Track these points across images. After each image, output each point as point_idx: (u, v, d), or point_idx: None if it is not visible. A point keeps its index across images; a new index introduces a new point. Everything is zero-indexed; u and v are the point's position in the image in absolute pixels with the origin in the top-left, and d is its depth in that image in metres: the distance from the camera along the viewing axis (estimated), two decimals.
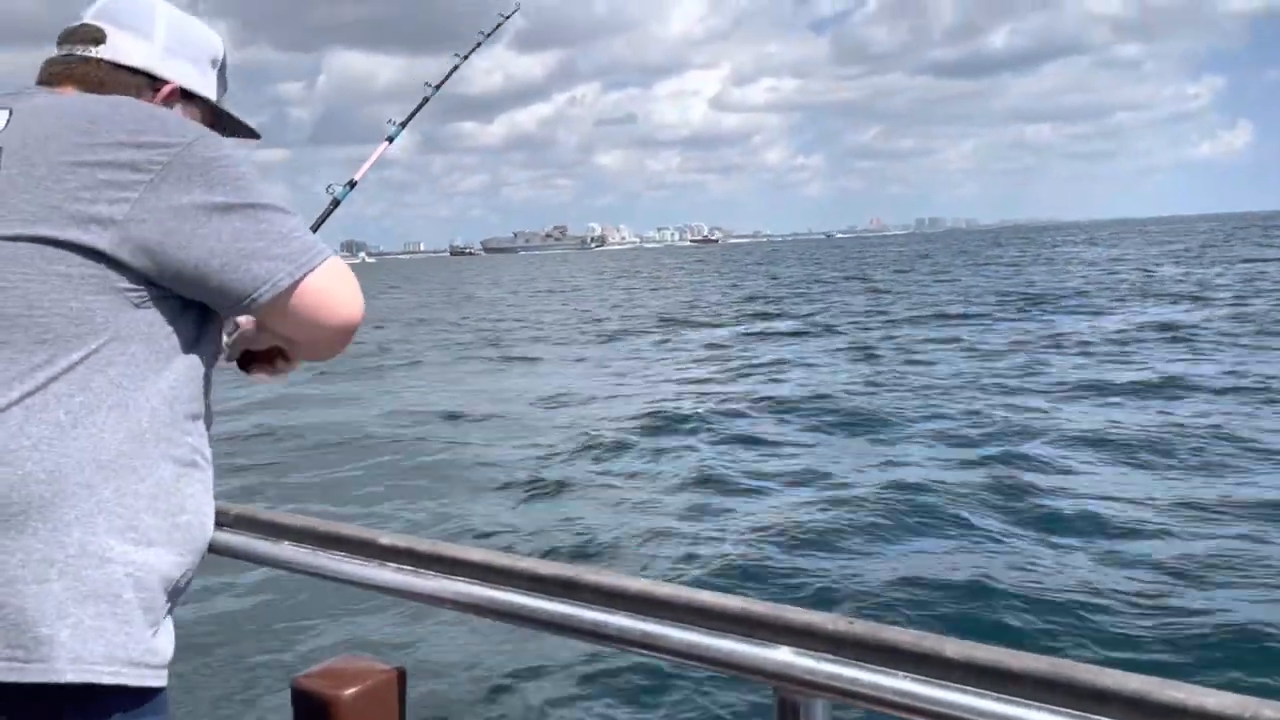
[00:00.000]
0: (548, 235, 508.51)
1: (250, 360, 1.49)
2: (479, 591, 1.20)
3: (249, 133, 1.60)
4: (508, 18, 2.68)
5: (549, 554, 6.31)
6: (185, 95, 1.45)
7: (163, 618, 1.20)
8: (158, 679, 1.16)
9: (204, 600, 5.54)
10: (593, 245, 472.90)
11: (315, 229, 1.97)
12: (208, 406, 1.33)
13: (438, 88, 2.35)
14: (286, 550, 1.41)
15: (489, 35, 2.58)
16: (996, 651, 0.85)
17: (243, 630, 5.34)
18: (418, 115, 2.29)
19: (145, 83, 1.40)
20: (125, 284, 1.18)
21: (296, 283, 1.23)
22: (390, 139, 2.23)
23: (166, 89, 1.42)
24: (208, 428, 1.32)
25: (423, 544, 1.26)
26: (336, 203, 2.04)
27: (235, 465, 9.55)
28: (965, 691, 0.85)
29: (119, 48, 1.38)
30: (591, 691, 4.56)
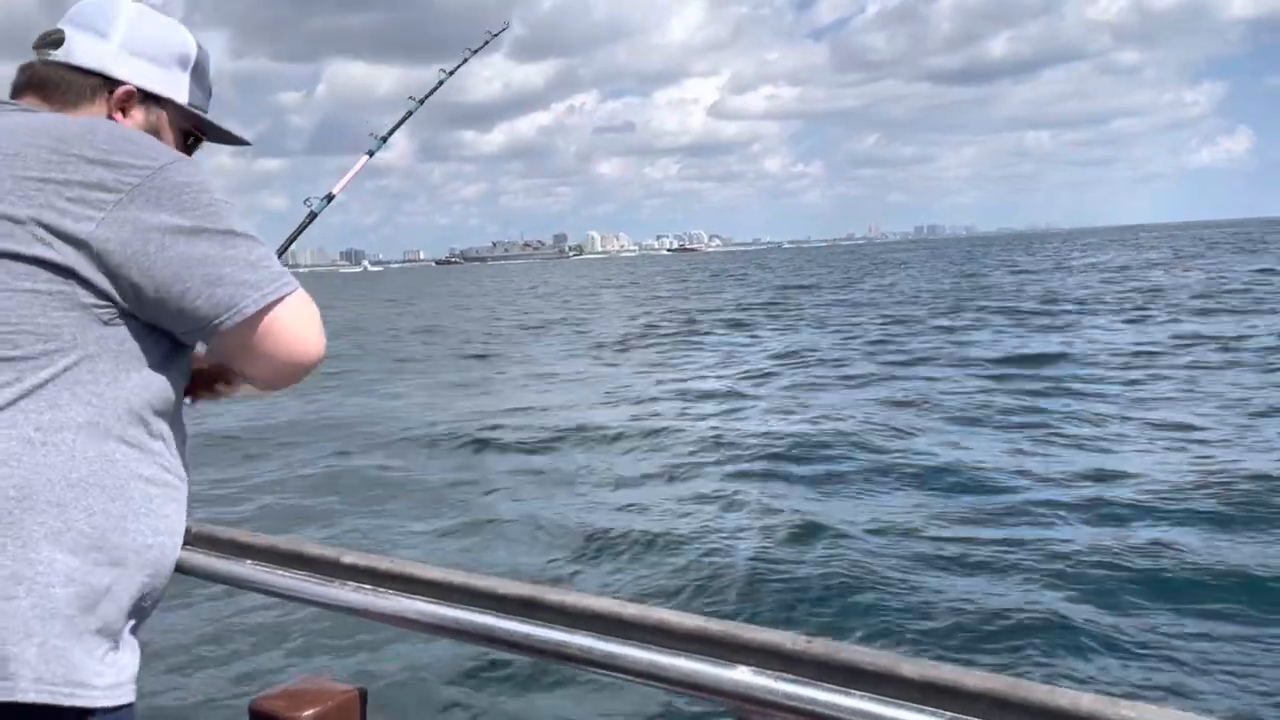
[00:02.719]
0: (526, 245, 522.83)
1: (189, 384, 1.43)
2: (440, 611, 1.19)
3: (237, 140, 1.55)
4: (496, 35, 2.65)
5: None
6: (149, 98, 1.39)
7: (129, 636, 1.19)
8: (123, 696, 1.14)
9: (162, 619, 5.46)
10: (571, 255, 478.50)
11: (292, 241, 1.95)
12: (182, 424, 1.31)
13: (422, 102, 2.31)
14: (248, 569, 1.40)
15: (476, 52, 2.55)
16: (953, 671, 0.85)
17: (201, 650, 5.27)
18: (412, 124, 2.25)
19: (100, 84, 1.35)
20: (93, 300, 1.16)
21: (261, 312, 1.21)
22: (370, 153, 2.18)
23: (121, 90, 1.36)
24: (183, 446, 1.30)
25: (383, 562, 1.25)
26: (313, 215, 1.99)
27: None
28: (922, 711, 0.85)
29: (74, 49, 1.35)
30: (554, 712, 4.54)
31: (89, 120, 1.28)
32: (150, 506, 1.20)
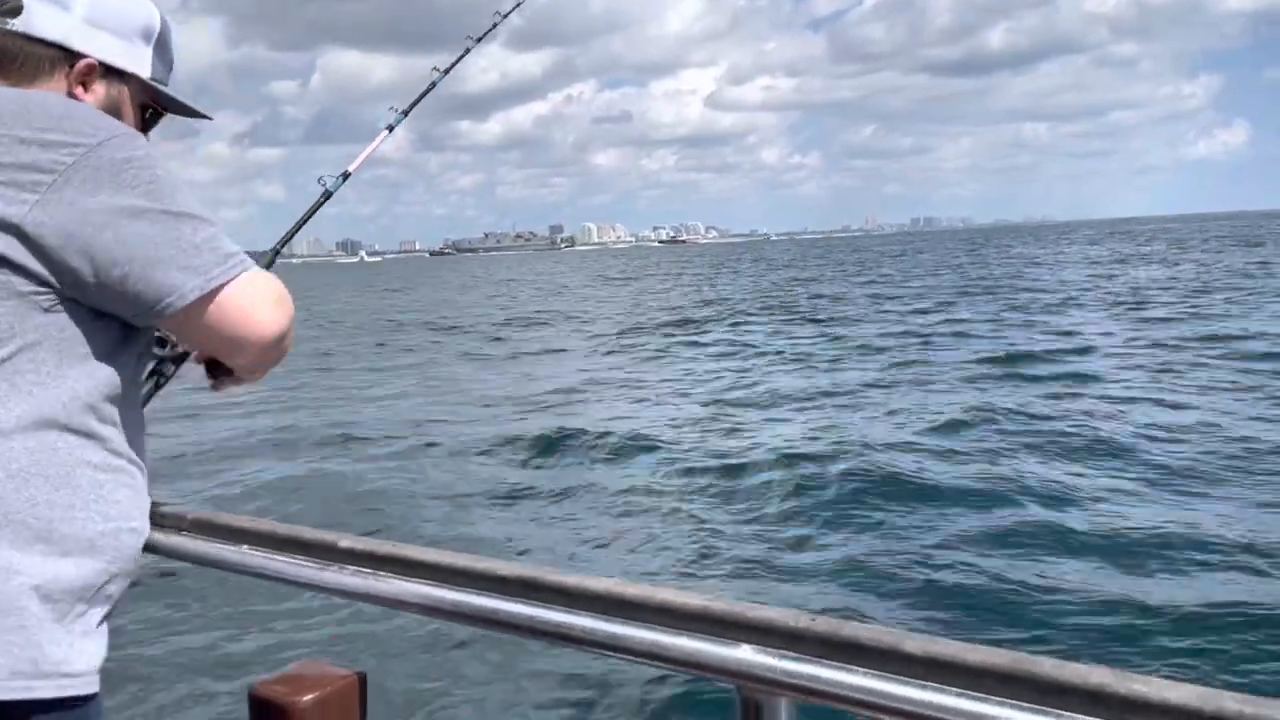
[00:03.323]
0: (518, 236, 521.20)
1: (218, 367, 1.40)
2: (440, 594, 1.18)
3: (197, 114, 1.49)
4: None
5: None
6: (110, 72, 1.33)
7: (89, 627, 1.15)
8: (80, 688, 1.12)
9: (161, 606, 5.48)
10: (562, 246, 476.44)
11: (306, 220, 1.88)
12: (138, 408, 1.28)
13: (446, 72, 2.21)
14: (245, 554, 1.38)
15: (507, 15, 2.45)
16: (957, 646, 0.84)
17: (200, 637, 5.28)
18: (416, 110, 2.16)
19: (61, 57, 1.29)
20: (30, 288, 1.12)
21: (207, 296, 1.16)
22: (390, 127, 2.09)
23: (82, 64, 1.30)
24: (138, 430, 1.27)
25: (382, 546, 1.24)
26: (329, 194, 1.91)
27: None
28: (926, 687, 0.84)
29: (34, 19, 1.28)
30: (555, 693, 4.54)
31: (28, 96, 1.22)
32: (100, 493, 1.17)
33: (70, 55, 1.30)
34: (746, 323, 24.62)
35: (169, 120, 1.47)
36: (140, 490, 1.26)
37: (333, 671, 1.35)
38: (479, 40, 2.31)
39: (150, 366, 1.48)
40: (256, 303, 1.21)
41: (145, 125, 1.41)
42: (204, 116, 1.51)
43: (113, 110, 1.32)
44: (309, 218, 1.88)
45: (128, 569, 1.22)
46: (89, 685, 1.13)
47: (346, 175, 1.95)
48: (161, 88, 1.41)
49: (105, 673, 1.18)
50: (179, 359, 1.50)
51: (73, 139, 1.13)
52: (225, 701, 4.41)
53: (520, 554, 6.73)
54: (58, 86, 1.29)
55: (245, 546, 1.38)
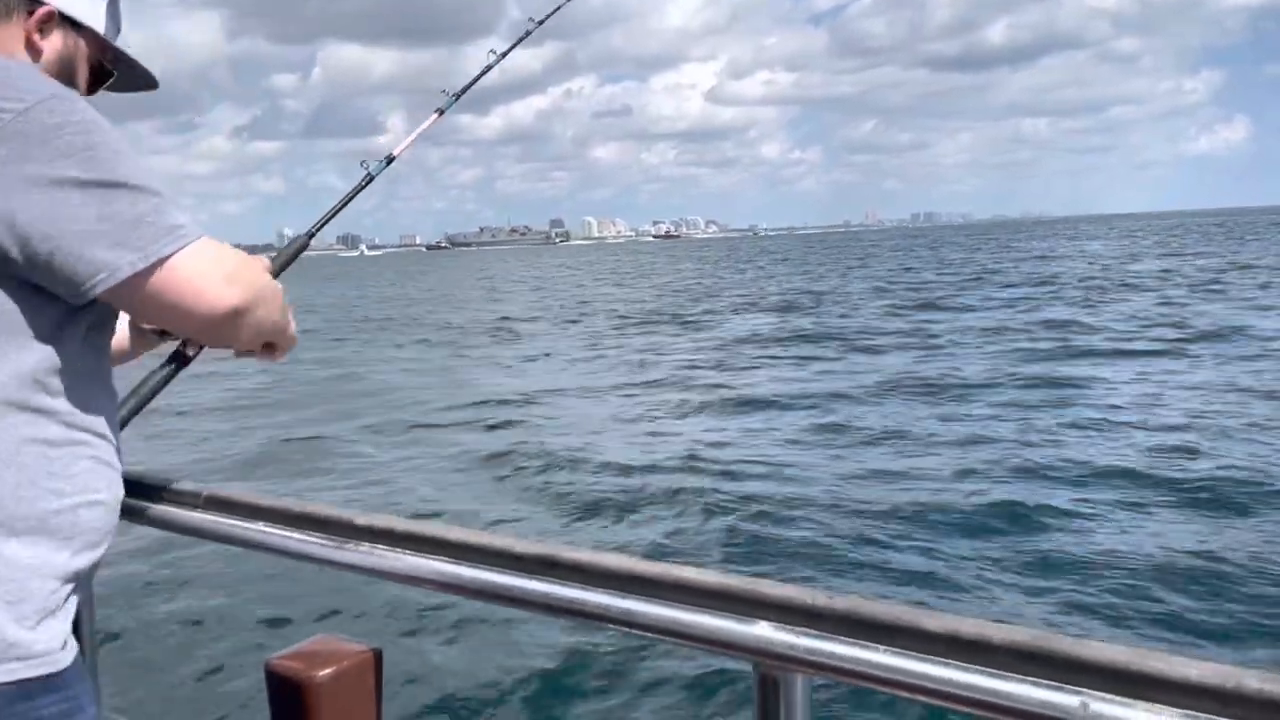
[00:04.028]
0: (513, 230, 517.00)
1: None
2: (456, 570, 1.18)
3: (145, 78, 1.44)
4: None
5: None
6: (67, 23, 1.29)
7: (51, 605, 1.12)
8: (38, 669, 1.08)
9: (177, 583, 5.53)
10: (557, 241, 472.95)
11: (345, 203, 1.81)
12: (101, 378, 1.23)
13: (503, 55, 2.15)
14: (261, 532, 1.38)
15: None
16: (977, 624, 0.84)
17: (217, 613, 5.32)
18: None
19: (19, 2, 1.25)
20: None
21: (145, 272, 1.10)
22: (440, 111, 2.01)
23: (42, 10, 1.26)
24: (102, 399, 1.23)
25: (398, 523, 1.24)
26: (370, 178, 1.84)
27: None
28: (946, 664, 0.84)
29: None
30: (571, 670, 4.55)
31: None
32: (51, 469, 1.13)
33: (30, 1, 1.26)
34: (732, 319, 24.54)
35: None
36: (105, 461, 1.21)
37: (348, 647, 1.35)
38: (540, 23, 2.23)
39: (173, 349, 1.46)
40: (204, 276, 1.15)
41: (93, 85, 1.37)
42: (152, 83, 1.46)
43: (67, 61, 1.29)
44: (348, 201, 1.82)
45: (92, 541, 1.18)
46: (49, 665, 1.10)
47: (391, 159, 1.87)
48: (115, 46, 1.37)
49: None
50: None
51: (1, 104, 1.07)
52: (242, 676, 4.43)
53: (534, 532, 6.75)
54: (14, 32, 1.25)
55: (261, 524, 1.38)
